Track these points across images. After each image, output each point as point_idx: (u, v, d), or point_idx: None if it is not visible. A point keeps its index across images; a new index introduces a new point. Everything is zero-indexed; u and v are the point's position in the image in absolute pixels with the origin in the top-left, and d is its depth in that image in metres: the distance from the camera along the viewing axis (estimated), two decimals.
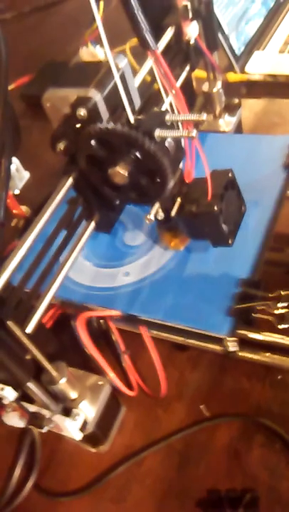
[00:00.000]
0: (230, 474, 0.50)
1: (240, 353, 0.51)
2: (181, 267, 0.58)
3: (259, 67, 0.83)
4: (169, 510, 0.50)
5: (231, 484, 0.49)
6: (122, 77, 0.47)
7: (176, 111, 0.52)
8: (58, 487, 0.54)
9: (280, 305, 0.49)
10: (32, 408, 0.49)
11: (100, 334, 0.58)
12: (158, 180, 0.47)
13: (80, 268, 0.62)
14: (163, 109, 0.53)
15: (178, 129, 0.47)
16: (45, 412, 0.48)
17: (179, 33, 0.61)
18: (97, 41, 0.47)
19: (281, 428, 0.50)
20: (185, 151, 0.49)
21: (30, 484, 0.53)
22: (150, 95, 0.55)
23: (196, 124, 0.47)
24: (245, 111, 0.76)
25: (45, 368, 0.46)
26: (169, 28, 0.61)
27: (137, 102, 0.51)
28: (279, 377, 0.53)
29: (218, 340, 0.51)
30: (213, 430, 0.53)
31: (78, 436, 0.50)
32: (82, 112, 0.45)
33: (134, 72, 0.55)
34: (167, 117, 0.46)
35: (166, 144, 0.46)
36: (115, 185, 0.48)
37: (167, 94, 0.53)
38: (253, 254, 0.56)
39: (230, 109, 0.73)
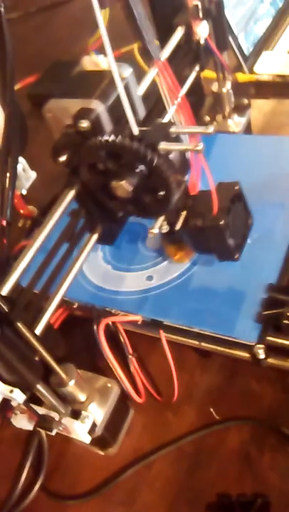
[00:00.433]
0: (241, 478, 0.49)
1: (268, 360, 0.50)
2: (206, 272, 0.57)
3: (268, 67, 0.82)
4: None
5: (242, 488, 0.48)
6: (126, 88, 0.45)
7: (181, 122, 0.51)
8: (66, 490, 0.53)
9: None
10: (41, 410, 0.49)
11: (108, 336, 0.58)
12: (162, 193, 0.45)
13: (100, 271, 0.61)
14: (167, 119, 0.52)
15: (183, 140, 0.46)
16: (54, 415, 0.48)
17: (189, 33, 0.61)
18: (101, 50, 0.46)
19: None
20: (190, 163, 0.48)
21: (37, 487, 0.53)
22: (155, 104, 0.54)
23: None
24: (254, 111, 0.75)
25: (54, 370, 0.46)
26: (179, 28, 0.60)
27: (142, 112, 0.50)
28: None
29: (247, 347, 0.50)
30: (223, 433, 0.52)
31: (87, 439, 0.49)
32: (84, 123, 0.43)
33: (143, 73, 0.54)
34: (172, 129, 0.45)
35: (171, 157, 0.45)
36: (118, 198, 0.47)
37: (172, 104, 0.52)
38: (280, 258, 0.54)
39: (240, 109, 0.72)
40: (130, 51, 0.90)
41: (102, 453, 0.54)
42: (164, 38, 0.61)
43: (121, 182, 0.44)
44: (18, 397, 0.43)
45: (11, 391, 0.43)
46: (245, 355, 0.51)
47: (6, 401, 0.50)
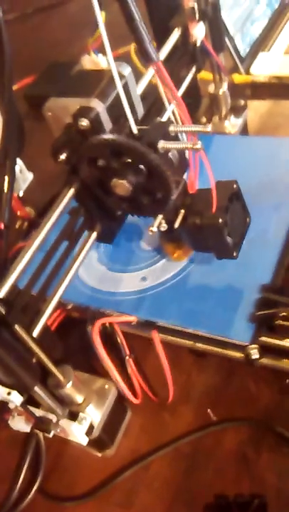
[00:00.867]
0: (238, 479, 0.49)
1: (262, 361, 0.50)
2: (200, 272, 0.57)
3: (264, 68, 0.82)
4: None
5: (239, 489, 0.48)
6: (125, 87, 0.46)
7: (179, 120, 0.52)
8: (63, 491, 0.53)
9: None
10: (38, 412, 0.49)
11: (105, 337, 0.58)
12: (161, 192, 0.46)
13: (95, 272, 0.62)
14: (165, 118, 0.52)
15: (182, 139, 0.47)
16: (52, 417, 0.48)
17: (185, 34, 0.61)
18: (100, 49, 0.46)
19: None
20: (189, 161, 0.48)
21: (35, 488, 0.53)
22: (154, 103, 0.54)
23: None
24: (251, 112, 0.76)
25: (52, 372, 0.46)
26: (176, 29, 0.60)
27: (140, 111, 0.50)
28: (287, 381, 0.53)
29: (240, 348, 0.51)
30: (220, 434, 0.52)
31: (84, 440, 0.49)
32: (84, 122, 0.44)
33: (140, 75, 0.55)
34: (171, 128, 0.45)
35: (170, 155, 0.45)
36: (117, 197, 0.47)
37: (170, 104, 0.52)
38: (274, 259, 0.55)
39: (236, 110, 0.72)
40: (127, 52, 0.90)
41: (99, 454, 0.54)
42: (160, 40, 0.61)
43: (120, 180, 0.44)
44: (16, 399, 0.43)
45: (9, 393, 0.43)
46: (239, 355, 0.51)
47: (4, 403, 0.50)
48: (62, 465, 0.55)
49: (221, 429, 0.53)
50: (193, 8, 0.58)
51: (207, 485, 0.50)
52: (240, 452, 0.51)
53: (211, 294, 0.55)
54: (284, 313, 0.49)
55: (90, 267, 0.62)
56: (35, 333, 0.44)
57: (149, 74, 0.54)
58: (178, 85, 0.60)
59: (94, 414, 0.50)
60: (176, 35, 0.60)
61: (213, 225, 0.49)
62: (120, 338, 0.57)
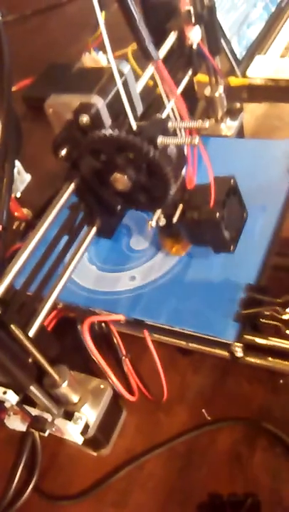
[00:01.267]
0: (232, 478, 0.50)
1: (247, 359, 0.51)
2: (188, 272, 0.58)
3: (260, 71, 0.83)
4: None
5: (233, 488, 0.49)
6: (125, 84, 0.47)
7: (178, 117, 0.53)
8: (58, 491, 0.54)
9: (288, 310, 0.48)
10: (34, 412, 0.49)
11: (102, 337, 0.58)
12: (160, 187, 0.47)
13: (85, 272, 0.62)
14: (164, 114, 0.53)
15: (180, 135, 0.47)
16: (47, 416, 0.48)
17: (181, 38, 0.61)
18: (100, 47, 0.47)
19: (283, 432, 0.50)
20: (187, 157, 0.49)
21: (30, 488, 0.53)
22: (153, 100, 0.55)
23: (198, 130, 0.47)
24: (247, 115, 0.76)
25: (47, 372, 0.46)
26: (172, 33, 0.61)
27: (140, 108, 0.51)
28: (281, 381, 0.53)
29: (225, 346, 0.51)
30: (215, 434, 0.53)
31: (80, 440, 0.49)
32: (84, 118, 0.44)
33: (137, 77, 0.55)
34: (170, 124, 0.46)
35: (169, 151, 0.46)
36: (117, 192, 0.48)
37: (169, 101, 0.53)
38: (259, 259, 0.56)
39: (232, 113, 0.73)
40: (124, 55, 0.91)
41: (94, 454, 0.54)
42: (157, 43, 0.61)
43: (119, 175, 0.45)
44: (12, 398, 0.44)
45: (4, 392, 0.43)
46: (225, 353, 0.52)
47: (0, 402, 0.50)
48: (57, 464, 0.55)
49: (216, 428, 0.53)
50: (189, 11, 0.59)
51: (201, 484, 0.50)
52: (234, 452, 0.51)
53: (197, 293, 0.56)
54: (268, 312, 0.50)
55: (80, 267, 0.62)
56: (31, 332, 0.44)
57: (148, 73, 0.55)
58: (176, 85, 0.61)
59: (89, 414, 0.50)
60: (172, 38, 0.61)
61: (210, 220, 0.50)
62: (116, 339, 0.57)
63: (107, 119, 0.46)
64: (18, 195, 0.80)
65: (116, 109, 0.46)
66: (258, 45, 0.87)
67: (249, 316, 0.51)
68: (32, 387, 0.45)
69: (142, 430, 0.55)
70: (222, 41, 0.80)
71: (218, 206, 0.49)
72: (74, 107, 0.45)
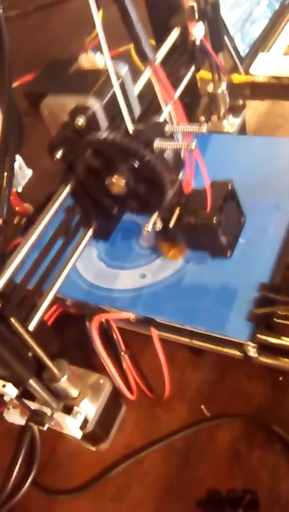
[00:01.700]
0: (230, 475, 0.50)
1: (260, 359, 0.50)
2: (199, 270, 0.57)
3: (263, 68, 0.83)
4: (168, 510, 0.50)
5: (231, 484, 0.49)
6: (122, 86, 0.46)
7: (174, 121, 0.52)
8: (57, 485, 0.54)
9: None
10: (33, 406, 0.49)
11: (102, 333, 0.58)
12: (156, 191, 0.46)
13: (94, 269, 0.62)
14: (162, 118, 0.53)
15: (177, 139, 0.47)
16: (46, 410, 0.48)
17: (184, 34, 0.61)
18: (98, 48, 0.46)
19: (282, 429, 0.50)
20: (184, 161, 0.49)
21: (29, 482, 0.53)
22: (150, 103, 0.54)
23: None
24: (249, 112, 0.76)
25: (47, 366, 0.46)
26: (175, 29, 0.61)
27: (137, 111, 0.50)
28: (280, 378, 0.53)
29: (238, 346, 0.51)
30: (214, 430, 0.53)
31: (79, 434, 0.50)
32: (80, 120, 0.44)
33: (139, 73, 0.55)
34: (167, 128, 0.46)
35: (165, 155, 0.46)
36: (113, 195, 0.47)
37: (166, 104, 0.52)
38: (272, 257, 0.55)
39: (235, 110, 0.73)
40: (127, 50, 0.90)
41: (93, 449, 0.54)
42: (160, 39, 0.61)
43: (115, 179, 0.44)
44: (11, 391, 0.44)
45: (4, 386, 0.43)
46: (237, 353, 0.52)
47: None
48: (56, 459, 0.55)
49: (215, 425, 0.53)
50: (192, 7, 0.59)
51: (200, 480, 0.50)
52: (233, 448, 0.51)
53: (209, 292, 0.55)
54: (282, 312, 0.50)
55: (89, 263, 0.62)
56: (31, 327, 0.45)
57: (147, 73, 0.55)
58: (177, 84, 0.61)
59: (88, 409, 0.50)
60: (175, 34, 0.61)
61: (207, 225, 0.49)
62: (116, 335, 0.57)
63: (103, 122, 0.46)
64: (20, 190, 0.80)
65: (113, 111, 0.46)
66: (262, 43, 0.87)
67: (263, 316, 0.50)
68: (31, 381, 0.45)
69: (141, 426, 0.55)
70: (225, 38, 0.80)
71: (215, 211, 0.49)
72: (70, 108, 0.45)
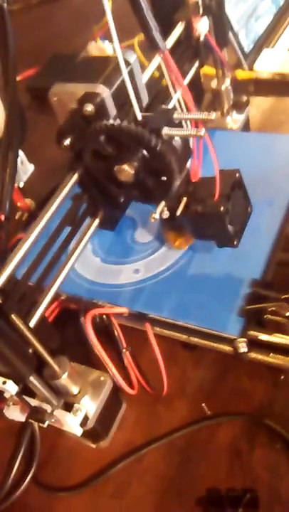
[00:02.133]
0: (230, 473, 0.49)
1: (250, 355, 0.50)
2: (192, 266, 0.57)
3: (268, 65, 0.82)
4: (168, 508, 0.49)
5: (232, 483, 0.49)
6: (131, 74, 0.46)
7: (184, 108, 0.52)
8: (57, 482, 0.53)
9: None
10: (33, 402, 0.49)
11: (102, 329, 0.58)
12: (164, 178, 0.46)
13: (89, 263, 0.62)
14: (170, 105, 0.52)
15: (186, 127, 0.47)
16: (47, 407, 0.48)
17: (188, 29, 0.61)
18: (106, 36, 0.46)
19: (283, 428, 0.50)
20: (192, 149, 0.49)
21: (28, 478, 0.53)
22: (158, 92, 0.54)
23: (204, 122, 0.46)
24: (253, 109, 0.76)
25: (48, 363, 0.46)
26: (179, 24, 0.60)
27: (145, 99, 0.50)
28: (282, 377, 0.53)
29: (229, 341, 0.51)
30: (214, 429, 0.52)
31: (79, 431, 0.49)
32: (89, 107, 0.44)
33: (143, 68, 0.54)
34: (175, 115, 0.46)
35: (174, 143, 0.45)
36: (121, 183, 0.47)
37: (175, 92, 0.52)
38: (265, 254, 0.55)
39: (239, 106, 0.72)
40: (130, 46, 0.90)
41: (93, 446, 0.54)
42: (164, 34, 0.60)
43: (123, 166, 0.44)
44: (11, 388, 0.44)
45: (4, 382, 0.43)
46: (228, 348, 0.52)
47: None
48: (56, 456, 0.55)
49: (215, 423, 0.53)
50: (197, 2, 0.58)
51: (200, 479, 0.50)
52: (234, 447, 0.51)
53: (202, 288, 0.55)
54: (273, 308, 0.50)
55: (84, 259, 0.62)
56: (32, 323, 0.44)
57: (154, 64, 0.54)
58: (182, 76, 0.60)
59: (89, 406, 0.50)
60: (179, 29, 0.60)
61: (214, 213, 0.49)
62: (117, 331, 0.57)
63: (112, 109, 0.46)
64: (21, 185, 0.80)
65: (121, 99, 0.46)
66: (266, 39, 0.86)
67: (254, 312, 0.51)
68: (32, 378, 0.45)
69: (141, 423, 0.55)
70: (229, 34, 0.79)
71: (222, 199, 0.49)
72: (79, 96, 0.45)
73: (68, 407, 0.49)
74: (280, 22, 0.89)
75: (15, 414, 0.52)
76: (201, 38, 0.61)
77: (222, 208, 0.49)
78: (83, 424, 0.49)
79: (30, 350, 0.44)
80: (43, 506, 0.53)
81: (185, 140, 0.47)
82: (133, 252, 0.61)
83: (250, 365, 0.53)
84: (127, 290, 0.58)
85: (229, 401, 0.54)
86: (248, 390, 0.54)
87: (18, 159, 0.78)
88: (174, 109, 0.47)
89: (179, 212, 0.51)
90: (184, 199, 0.51)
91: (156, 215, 0.50)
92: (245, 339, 0.50)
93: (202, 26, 0.60)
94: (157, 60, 0.54)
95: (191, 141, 0.48)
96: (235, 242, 0.52)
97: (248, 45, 0.83)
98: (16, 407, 0.52)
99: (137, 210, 0.63)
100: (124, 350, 0.57)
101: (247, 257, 0.55)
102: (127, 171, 0.45)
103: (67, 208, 0.57)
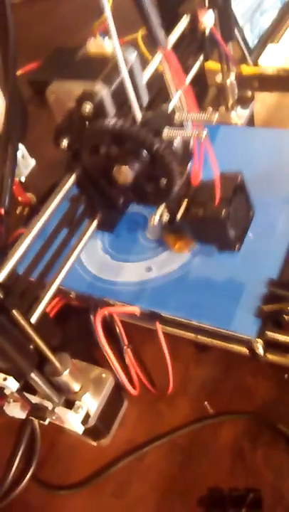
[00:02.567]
0: (233, 473, 0.49)
1: (267, 356, 0.49)
2: (206, 264, 0.56)
3: (272, 60, 0.81)
4: (170, 508, 0.49)
5: (234, 483, 0.48)
6: (131, 72, 0.45)
7: (185, 109, 0.51)
8: (57, 480, 0.53)
9: None
10: (34, 399, 0.48)
11: (104, 326, 0.57)
12: (164, 181, 0.45)
13: (99, 261, 0.61)
14: (171, 105, 0.51)
15: (187, 127, 0.46)
16: (48, 404, 0.48)
17: (194, 22, 0.60)
18: (106, 33, 0.45)
19: (286, 427, 0.49)
20: (193, 152, 0.48)
21: (28, 476, 0.52)
22: (159, 90, 0.53)
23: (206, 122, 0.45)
24: (258, 104, 0.75)
25: (49, 359, 0.45)
26: (185, 16, 0.59)
27: (145, 98, 0.49)
28: (286, 376, 0.52)
29: (245, 342, 0.50)
30: (217, 428, 0.52)
31: (80, 429, 0.49)
32: (87, 107, 0.43)
33: (146, 62, 0.54)
34: (176, 116, 0.45)
35: (174, 145, 0.44)
36: (119, 185, 0.46)
37: (176, 91, 0.51)
38: (282, 253, 0.54)
39: (243, 101, 0.72)
40: (134, 40, 0.89)
41: (94, 444, 0.54)
42: (169, 26, 0.60)
43: (122, 168, 0.43)
44: (12, 385, 0.43)
45: (5, 379, 0.43)
46: (244, 349, 0.51)
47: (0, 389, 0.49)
48: (56, 453, 0.55)
49: (218, 422, 0.52)
50: None
51: (202, 478, 0.49)
52: (237, 446, 0.50)
53: (217, 287, 0.54)
54: None
55: (94, 256, 0.61)
56: (34, 319, 0.44)
57: (156, 61, 0.53)
58: (185, 73, 0.59)
59: (90, 403, 0.50)
60: (184, 22, 0.59)
61: (215, 217, 0.48)
62: (119, 328, 0.56)
63: (110, 109, 0.44)
64: (23, 179, 0.79)
65: (120, 98, 0.44)
66: (271, 34, 0.85)
67: (271, 312, 0.49)
68: (33, 374, 0.44)
69: (143, 421, 0.54)
70: (234, 28, 0.78)
71: (223, 204, 0.48)
72: (77, 94, 0.43)
73: (69, 404, 0.48)
74: (285, 17, 0.88)
75: (15, 411, 0.51)
76: (207, 32, 0.60)
77: (223, 213, 0.48)
78: (85, 421, 0.49)
79: (32, 346, 0.43)
80: (43, 504, 0.52)
81: (186, 142, 0.46)
82: (145, 250, 0.60)
83: (254, 363, 0.52)
84: (138, 288, 0.57)
85: (232, 399, 0.53)
86: (252, 388, 0.53)
87: (20, 153, 0.78)
88: (175, 110, 0.46)
89: (179, 216, 0.50)
90: (185, 202, 0.50)
91: (156, 219, 0.49)
92: (262, 340, 0.49)
93: (208, 19, 0.59)
94: (159, 58, 0.53)
95: (192, 143, 0.47)
96: (236, 247, 0.51)
97: (252, 40, 0.82)
98: (17, 404, 0.51)
99: (149, 207, 0.62)
100: (125, 347, 0.56)
101: (263, 256, 0.54)
102: (125, 172, 0.44)
103: (64, 209, 0.56)
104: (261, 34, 0.84)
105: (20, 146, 0.79)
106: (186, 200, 0.50)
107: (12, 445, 0.54)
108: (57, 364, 0.46)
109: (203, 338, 0.53)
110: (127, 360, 0.56)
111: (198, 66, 0.62)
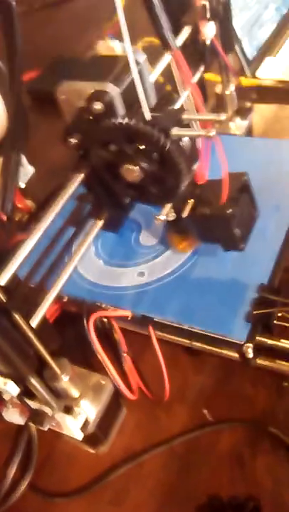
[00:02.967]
0: (233, 481, 0.49)
1: (257, 360, 0.49)
2: (198, 270, 0.57)
3: (270, 72, 0.82)
4: None
5: (234, 491, 0.48)
6: (140, 73, 0.46)
7: (193, 109, 0.52)
8: (54, 487, 0.52)
9: None
10: (33, 405, 0.48)
11: (103, 332, 0.57)
12: (171, 179, 0.46)
13: (91, 266, 0.61)
14: (178, 105, 0.52)
15: (194, 127, 0.47)
16: (47, 410, 0.47)
17: (195, 33, 0.60)
18: (116, 35, 0.46)
19: (286, 435, 0.49)
20: (200, 151, 0.48)
21: (25, 483, 0.52)
22: (163, 94, 0.54)
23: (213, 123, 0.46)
24: (256, 116, 0.76)
25: (49, 364, 0.45)
26: (186, 27, 0.60)
27: (153, 99, 0.50)
28: (285, 384, 0.52)
29: (235, 346, 0.50)
30: (216, 435, 0.52)
31: (79, 435, 0.48)
32: (98, 106, 0.43)
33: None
34: (184, 116, 0.45)
35: (182, 143, 0.45)
36: (127, 184, 0.47)
37: (184, 91, 0.52)
38: (272, 259, 0.54)
39: (242, 112, 0.72)
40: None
41: (92, 451, 0.53)
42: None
43: (131, 166, 0.44)
44: (12, 389, 0.43)
45: (5, 383, 0.42)
46: (234, 354, 0.51)
47: None
48: (54, 460, 0.54)
49: (217, 429, 0.52)
50: (204, 6, 0.58)
51: (201, 486, 0.49)
52: (236, 454, 0.50)
53: (208, 292, 0.54)
54: (280, 314, 0.49)
55: (87, 261, 0.61)
56: (34, 323, 0.43)
57: (162, 64, 0.54)
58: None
59: (89, 410, 0.49)
60: (186, 33, 0.60)
61: (221, 216, 0.49)
62: (118, 335, 0.56)
63: (120, 108, 0.45)
64: (23, 186, 0.79)
65: (130, 98, 0.45)
66: (269, 47, 0.86)
67: (261, 317, 0.50)
68: (32, 379, 0.44)
69: (141, 428, 0.54)
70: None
71: (230, 202, 0.48)
72: (87, 94, 0.44)
73: (68, 410, 0.48)
74: (283, 30, 0.89)
75: (14, 416, 0.51)
76: (207, 43, 0.61)
77: (230, 211, 0.48)
78: (83, 428, 0.48)
79: (32, 351, 0.43)
80: None
81: (193, 141, 0.46)
82: (137, 255, 0.61)
83: (253, 370, 0.52)
84: (131, 293, 0.57)
85: (231, 407, 0.53)
86: (250, 396, 0.53)
87: None
88: (183, 109, 0.47)
89: (185, 215, 0.50)
90: (191, 201, 0.50)
91: (162, 217, 0.49)
92: (251, 344, 0.49)
93: (209, 31, 0.60)
94: (164, 61, 0.54)
95: (200, 142, 0.47)
96: (242, 246, 0.51)
97: (251, 53, 0.83)
98: (15, 409, 0.51)
99: (142, 213, 0.62)
100: (124, 354, 0.56)
101: (254, 262, 0.54)
102: (134, 171, 0.44)
103: (70, 208, 0.56)
104: (259, 47, 0.85)
105: None
106: (191, 199, 0.50)
107: (9, 451, 0.53)
108: (56, 369, 0.46)
109: (195, 344, 0.53)
110: (126, 366, 0.55)
111: (198, 76, 0.63)
